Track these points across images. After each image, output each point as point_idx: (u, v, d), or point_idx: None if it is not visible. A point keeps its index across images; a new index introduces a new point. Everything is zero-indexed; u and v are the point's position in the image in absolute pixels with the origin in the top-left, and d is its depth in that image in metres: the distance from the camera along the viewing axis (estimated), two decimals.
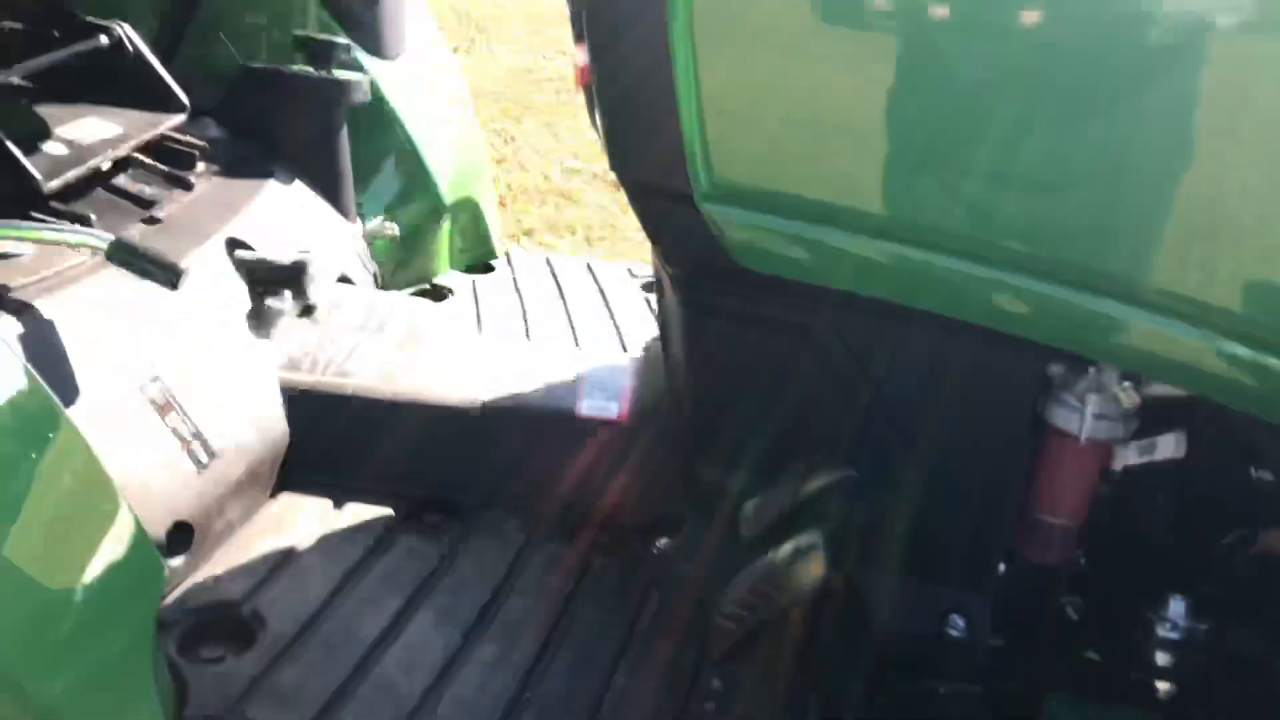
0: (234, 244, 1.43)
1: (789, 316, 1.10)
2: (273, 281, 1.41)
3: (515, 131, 4.68)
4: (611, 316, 1.82)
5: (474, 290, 1.90)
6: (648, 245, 4.14)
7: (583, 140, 4.65)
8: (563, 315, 1.81)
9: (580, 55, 1.19)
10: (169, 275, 1.15)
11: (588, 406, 1.38)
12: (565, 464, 1.34)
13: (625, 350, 1.70)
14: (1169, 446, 1.06)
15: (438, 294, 1.89)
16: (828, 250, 0.99)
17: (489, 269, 2.00)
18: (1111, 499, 1.09)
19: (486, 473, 1.36)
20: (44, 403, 0.94)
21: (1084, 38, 0.80)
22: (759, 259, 1.04)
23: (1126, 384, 1.02)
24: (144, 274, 1.15)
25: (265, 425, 1.33)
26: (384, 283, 1.80)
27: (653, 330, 1.78)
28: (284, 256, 1.41)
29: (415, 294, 1.89)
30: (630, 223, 3.80)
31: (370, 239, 1.78)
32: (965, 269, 0.91)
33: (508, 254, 2.07)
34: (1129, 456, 1.05)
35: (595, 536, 1.32)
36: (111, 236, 1.15)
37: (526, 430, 1.36)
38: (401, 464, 1.35)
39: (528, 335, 1.74)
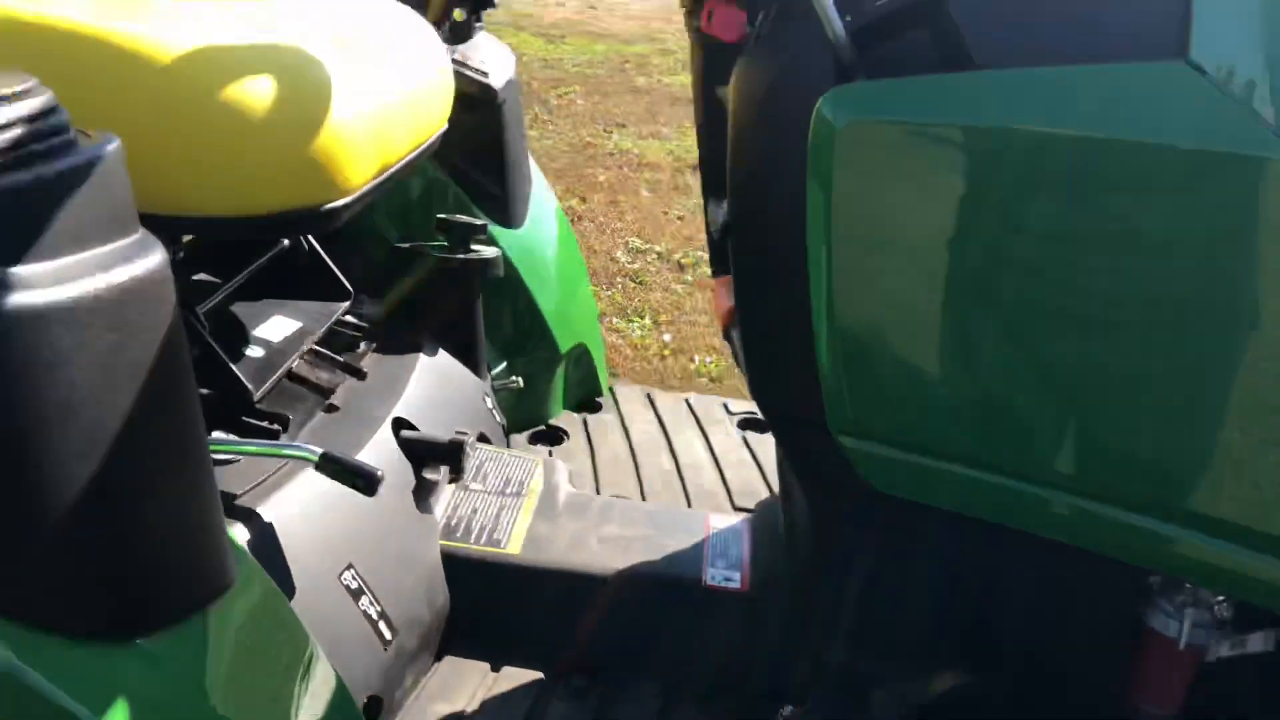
0: (399, 424, 1.61)
1: (912, 525, 1.27)
2: (434, 459, 1.60)
3: (581, 210, 4.87)
4: (716, 461, 1.99)
5: (586, 431, 2.08)
6: (711, 329, 4.31)
7: (646, 219, 4.83)
8: (670, 460, 1.98)
9: (724, 296, 1.37)
10: (367, 483, 1.33)
11: (712, 576, 1.55)
12: (693, 631, 1.51)
13: (733, 500, 1.87)
14: (1260, 641, 1.21)
15: (554, 436, 2.07)
16: (961, 483, 1.15)
17: (596, 406, 2.18)
18: (1207, 679, 1.24)
19: (623, 639, 1.52)
20: (270, 593, 1.12)
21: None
22: (893, 486, 1.20)
23: (1221, 599, 1.18)
24: (345, 481, 1.34)
25: (433, 595, 1.51)
26: (508, 427, 1.99)
27: (753, 477, 1.95)
28: (443, 435, 1.59)
29: (533, 435, 2.07)
30: (694, 305, 3.98)
31: (497, 391, 1.97)
32: (1095, 509, 1.07)
33: (611, 390, 2.25)
34: (1224, 649, 1.21)
35: (725, 702, 1.48)
36: (319, 449, 1.33)
37: (657, 598, 1.53)
38: (548, 630, 1.52)
39: (640, 485, 1.91)
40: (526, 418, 2.07)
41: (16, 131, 0.82)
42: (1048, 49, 1.05)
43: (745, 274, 1.24)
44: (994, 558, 1.23)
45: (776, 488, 1.91)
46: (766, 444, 2.05)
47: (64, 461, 0.81)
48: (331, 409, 1.57)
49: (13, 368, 0.77)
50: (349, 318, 1.74)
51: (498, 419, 1.92)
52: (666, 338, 3.76)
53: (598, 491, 1.88)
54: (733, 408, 2.19)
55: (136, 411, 0.87)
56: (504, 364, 2.04)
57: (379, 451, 1.53)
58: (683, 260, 4.37)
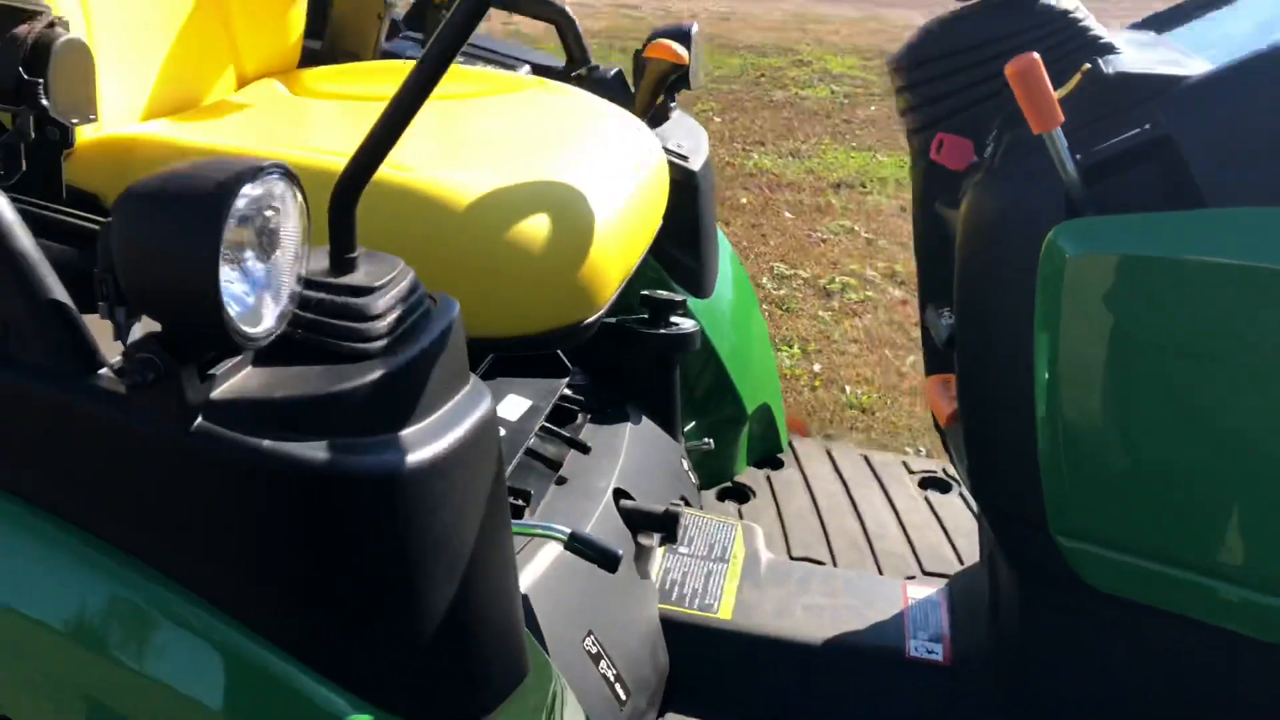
0: (619, 494, 1.75)
1: (1129, 620, 1.34)
2: (650, 527, 1.73)
3: (725, 234, 4.98)
4: (900, 522, 2.08)
5: (771, 488, 2.19)
6: (861, 358, 4.34)
7: (789, 242, 4.91)
8: (855, 521, 2.08)
9: (940, 394, 1.46)
10: (609, 561, 1.47)
11: (914, 648, 1.65)
12: (896, 702, 1.61)
13: (921, 564, 1.96)
14: None
15: (741, 494, 2.19)
16: (1190, 588, 1.22)
17: (778, 462, 2.29)
18: None
19: (827, 709, 1.63)
20: (549, 672, 1.26)
21: None
22: (1114, 587, 1.29)
23: None
24: (589, 559, 1.48)
25: (656, 657, 1.64)
26: (699, 485, 2.12)
27: (939, 541, 2.04)
28: (658, 505, 1.73)
29: (721, 493, 2.19)
30: (843, 333, 4.04)
31: (690, 453, 2.09)
32: None
33: (791, 445, 2.35)
34: None
35: None
36: (567, 529, 1.48)
37: (860, 669, 1.63)
38: (759, 693, 1.64)
39: (830, 547, 2.01)
40: (714, 475, 2.19)
41: (397, 313, 0.97)
42: (1275, 188, 1.12)
43: (970, 382, 1.33)
44: (1219, 661, 1.29)
45: (963, 552, 1.99)
46: (948, 505, 2.14)
47: (434, 581, 0.96)
48: (561, 481, 1.72)
49: (404, 516, 0.92)
50: (568, 391, 1.88)
51: (693, 480, 2.05)
52: (816, 367, 3.82)
53: (789, 552, 1.99)
54: (912, 466, 2.27)
55: (479, 529, 1.01)
56: (694, 423, 2.17)
57: (604, 521, 1.67)
58: (829, 286, 4.43)
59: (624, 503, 1.74)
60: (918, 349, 3.94)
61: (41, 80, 1.16)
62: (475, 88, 1.78)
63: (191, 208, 0.79)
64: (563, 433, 1.79)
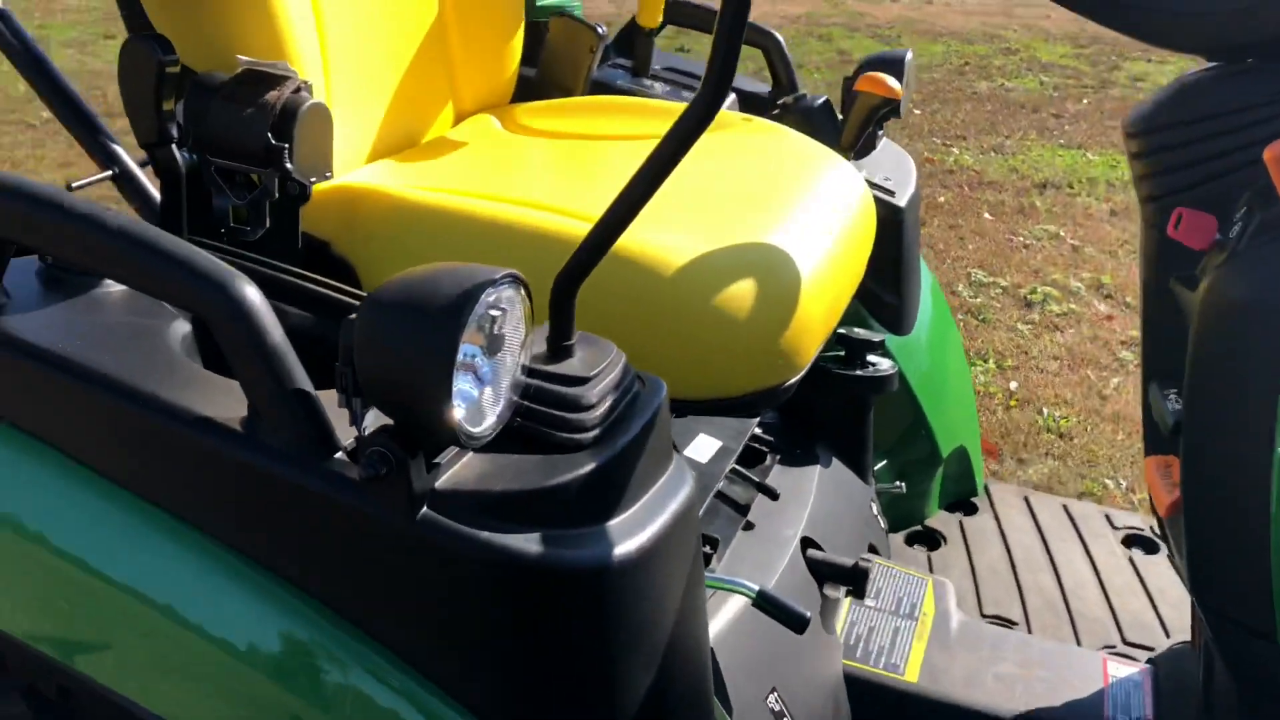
0: (807, 543, 1.73)
1: None
2: (837, 580, 1.71)
3: (922, 234, 4.83)
4: (1101, 583, 1.98)
5: (963, 536, 2.13)
6: (1060, 378, 4.13)
7: (989, 246, 4.71)
8: (1052, 579, 2.00)
9: (1159, 479, 1.38)
10: (797, 623, 1.46)
11: None
12: None
13: (1123, 633, 1.86)
14: None
15: (931, 539, 2.13)
16: None
17: (972, 507, 2.22)
18: None
19: None
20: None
21: None
22: None
23: None
24: (777, 618, 1.47)
25: (839, 716, 1.62)
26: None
27: (1143, 608, 1.93)
28: (847, 558, 1.70)
29: (909, 537, 2.14)
30: (1041, 349, 3.87)
31: (879, 496, 2.05)
32: None
33: (987, 488, 2.27)
34: None
35: None
36: (755, 586, 1.47)
37: None
38: None
39: (1024, 608, 1.93)
40: (903, 517, 2.14)
41: (609, 402, 0.98)
42: None
43: (1196, 473, 1.25)
44: None
45: (1169, 623, 1.88)
46: (1154, 567, 2.02)
47: (634, 667, 0.99)
48: (748, 527, 1.71)
49: (609, 608, 0.94)
50: (758, 430, 1.87)
51: (882, 524, 2.01)
52: (1012, 385, 3.67)
53: (980, 608, 1.93)
54: (1116, 521, 2.16)
55: (678, 613, 1.02)
56: (884, 463, 2.12)
57: (791, 572, 1.65)
58: (1029, 296, 4.24)
59: (811, 553, 1.72)
60: (1122, 370, 3.73)
61: (287, 145, 1.22)
62: None
63: (431, 320, 0.82)
64: (752, 476, 1.78)
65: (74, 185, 1.60)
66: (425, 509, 0.90)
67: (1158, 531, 2.11)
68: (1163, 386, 1.34)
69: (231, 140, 1.23)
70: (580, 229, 1.33)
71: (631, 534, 0.95)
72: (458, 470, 0.94)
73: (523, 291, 0.91)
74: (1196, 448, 1.24)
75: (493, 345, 0.90)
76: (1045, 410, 3.49)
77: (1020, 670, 1.67)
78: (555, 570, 0.91)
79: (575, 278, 0.98)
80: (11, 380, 1.06)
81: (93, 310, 1.10)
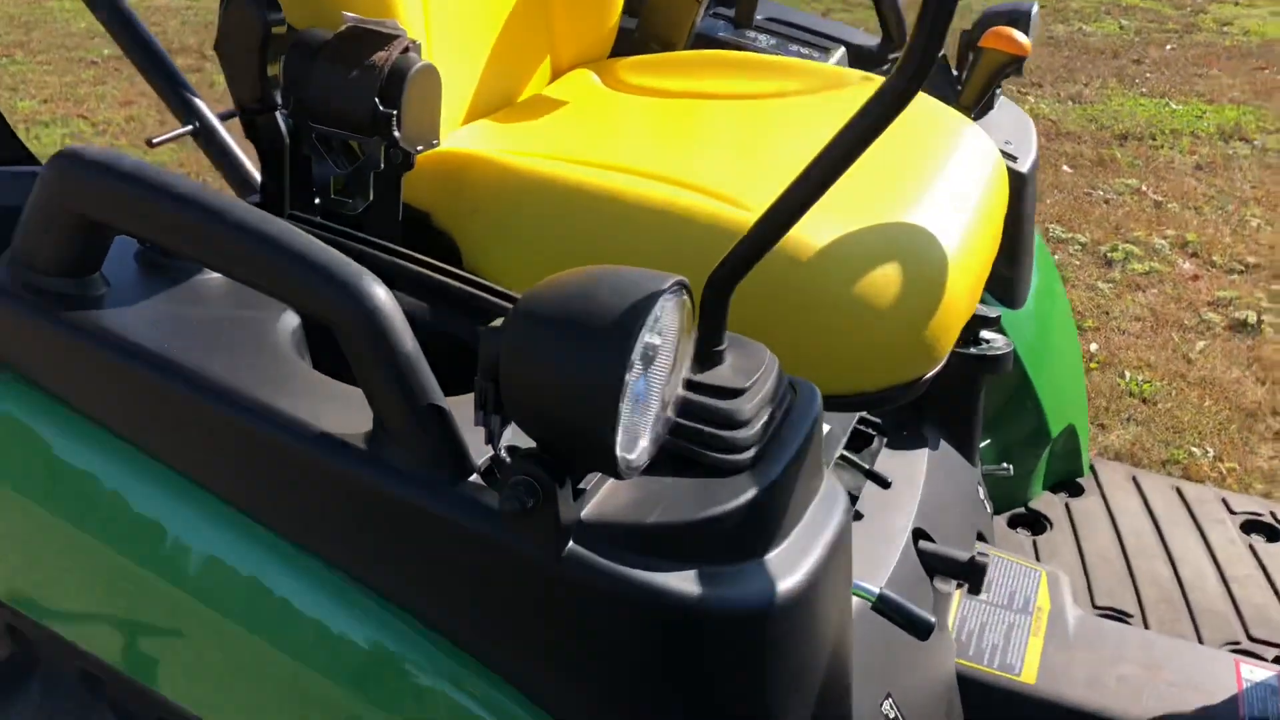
0: (919, 534, 1.63)
1: None
2: (951, 574, 1.61)
3: None
4: (1220, 572, 1.87)
5: (1070, 518, 2.02)
6: (1143, 340, 3.95)
7: (1068, 200, 4.53)
8: (1167, 567, 1.89)
9: None
10: (920, 630, 1.37)
11: None
12: None
13: (1247, 629, 1.76)
14: None
15: (1036, 522, 2.02)
16: None
17: (1078, 488, 2.11)
18: None
19: None
20: None
21: None
22: None
23: None
24: (898, 624, 1.38)
25: (954, 716, 1.54)
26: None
27: (1268, 601, 1.82)
28: (962, 551, 1.60)
29: (1012, 519, 2.04)
30: (1123, 309, 3.71)
31: (985, 478, 1.94)
32: None
33: (1092, 467, 2.16)
34: None
35: None
36: (875, 589, 1.38)
37: None
38: None
39: (1139, 598, 1.83)
40: (1006, 498, 2.03)
41: (766, 416, 0.88)
42: None
43: None
44: None
45: None
46: (1276, 556, 1.91)
47: (790, 712, 0.90)
48: (858, 517, 1.62)
49: (768, 651, 0.85)
50: (866, 413, 1.77)
51: (988, 509, 1.91)
52: (1093, 347, 3.53)
53: (1092, 599, 1.83)
54: (1233, 505, 2.04)
55: (833, 648, 0.94)
56: (988, 441, 2.01)
57: (903, 566, 1.56)
58: (1110, 254, 4.08)
59: (923, 545, 1.62)
60: (1209, 333, 3.57)
61: (395, 111, 1.12)
62: (795, 85, 1.64)
63: (596, 339, 0.72)
64: (861, 464, 1.68)
65: (154, 141, 1.51)
66: (571, 543, 0.81)
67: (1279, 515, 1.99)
68: None
69: (335, 105, 1.13)
70: (707, 206, 1.22)
71: (793, 568, 0.86)
72: (603, 497, 0.84)
73: (686, 299, 0.80)
74: None
75: (648, 357, 0.80)
76: (1127, 374, 3.35)
77: (1145, 671, 1.57)
78: (715, 613, 0.82)
79: (733, 276, 0.88)
80: (114, 382, 0.97)
81: (197, 300, 1.01)
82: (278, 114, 1.15)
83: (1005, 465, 1.96)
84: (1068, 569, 1.89)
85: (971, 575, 1.59)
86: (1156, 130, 5.17)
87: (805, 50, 1.91)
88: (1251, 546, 1.93)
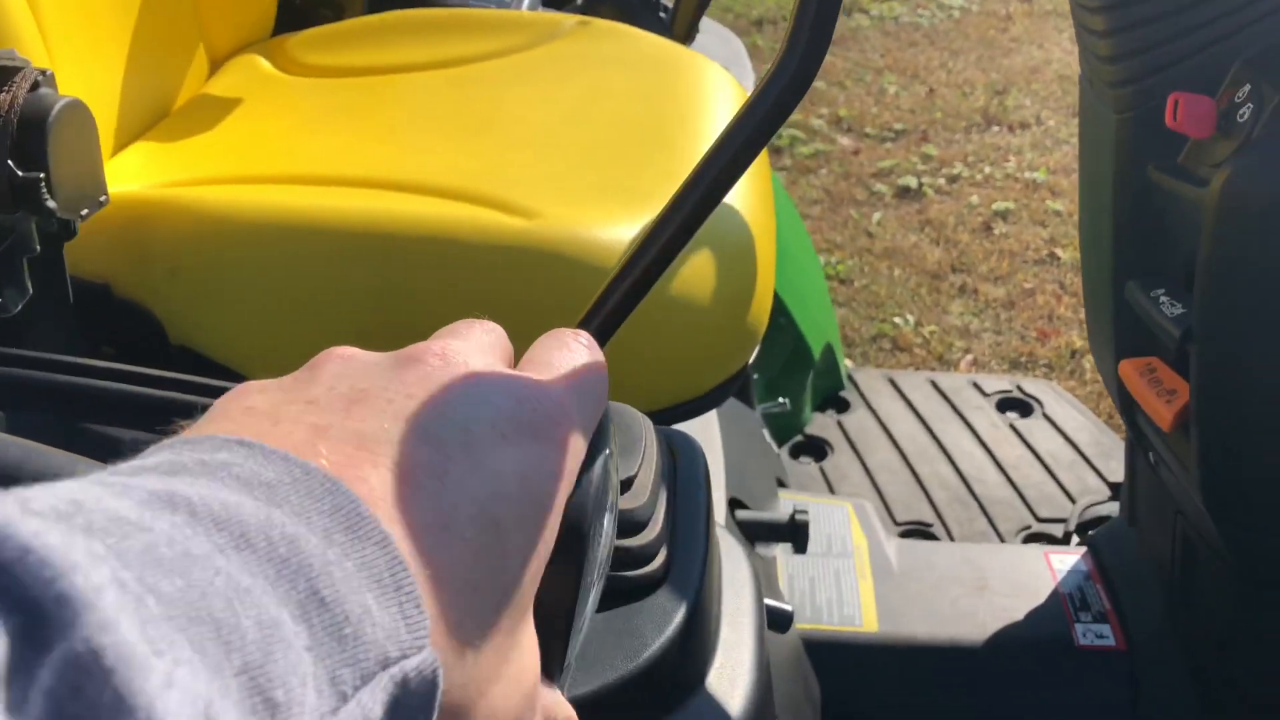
0: (734, 504, 1.52)
1: None
2: (773, 539, 1.52)
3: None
4: (995, 461, 1.91)
5: (846, 436, 1.99)
6: (824, 221, 4.10)
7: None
8: (949, 467, 1.91)
9: (1159, 396, 1.26)
10: (781, 622, 1.26)
11: (1083, 634, 1.50)
12: (1073, 698, 1.47)
13: (1033, 511, 1.81)
14: None
15: (817, 448, 1.98)
16: None
17: (842, 402, 2.08)
18: None
19: (995, 712, 1.49)
20: None
21: None
22: None
23: None
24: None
25: (810, 689, 1.46)
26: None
27: (1041, 478, 1.88)
28: (781, 514, 1.51)
29: (794, 449, 1.99)
30: (800, 195, 3.80)
31: (765, 419, 1.87)
32: None
33: (850, 378, 2.15)
34: None
35: None
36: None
37: (1030, 670, 1.49)
38: (925, 709, 1.49)
39: (936, 510, 1.83)
40: (783, 430, 1.97)
41: (664, 498, 0.70)
42: None
43: (1216, 386, 1.14)
44: None
45: (1068, 487, 1.84)
46: (1034, 432, 1.98)
47: None
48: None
49: None
50: None
51: (775, 450, 1.84)
52: None
53: (893, 518, 1.82)
54: (985, 387, 2.09)
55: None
56: (755, 377, 1.93)
57: (726, 540, 1.45)
58: (777, 141, 4.15)
59: (740, 514, 1.52)
60: (880, 204, 3.73)
61: (42, 174, 0.80)
62: (503, 42, 1.41)
63: None
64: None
65: None
66: None
67: (1027, 390, 2.07)
68: (1146, 287, 1.20)
69: None
70: (464, 212, 1.00)
71: (733, 687, 0.70)
72: None
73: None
74: (1214, 359, 1.11)
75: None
76: (821, 258, 3.42)
77: (974, 591, 1.57)
78: None
79: (602, 336, 0.68)
80: None
81: None
82: None
83: (782, 400, 1.89)
84: (862, 491, 1.86)
85: (795, 535, 1.51)
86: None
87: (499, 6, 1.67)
88: (1012, 426, 1.99)
